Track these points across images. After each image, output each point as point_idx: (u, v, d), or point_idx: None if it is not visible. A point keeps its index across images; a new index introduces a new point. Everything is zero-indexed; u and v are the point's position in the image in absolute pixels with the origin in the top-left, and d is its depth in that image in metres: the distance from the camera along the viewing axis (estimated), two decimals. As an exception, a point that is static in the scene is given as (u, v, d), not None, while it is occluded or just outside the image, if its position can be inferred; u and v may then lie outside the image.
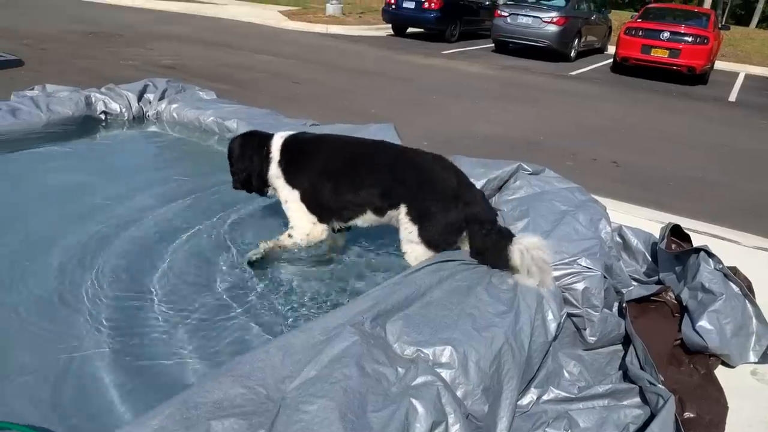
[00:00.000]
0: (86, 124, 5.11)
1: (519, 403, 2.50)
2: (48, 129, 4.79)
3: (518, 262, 2.72)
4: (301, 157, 3.16)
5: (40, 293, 2.79)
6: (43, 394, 2.23)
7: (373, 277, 3.26)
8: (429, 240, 2.97)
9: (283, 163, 3.17)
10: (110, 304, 2.78)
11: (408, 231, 2.98)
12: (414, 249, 3.02)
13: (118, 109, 5.37)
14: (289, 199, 3.17)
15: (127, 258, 3.16)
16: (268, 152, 3.20)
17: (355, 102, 9.28)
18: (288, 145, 3.21)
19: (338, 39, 17.02)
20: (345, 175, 3.06)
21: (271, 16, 19.45)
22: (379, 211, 3.07)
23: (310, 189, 3.12)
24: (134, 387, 2.32)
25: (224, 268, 3.19)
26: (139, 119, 5.48)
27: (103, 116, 5.29)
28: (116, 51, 11.50)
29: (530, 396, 2.58)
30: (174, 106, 5.52)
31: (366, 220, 3.16)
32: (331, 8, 20.45)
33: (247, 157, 3.24)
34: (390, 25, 18.98)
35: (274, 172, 3.20)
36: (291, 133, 3.29)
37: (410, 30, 19.08)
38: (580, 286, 2.81)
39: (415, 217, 2.95)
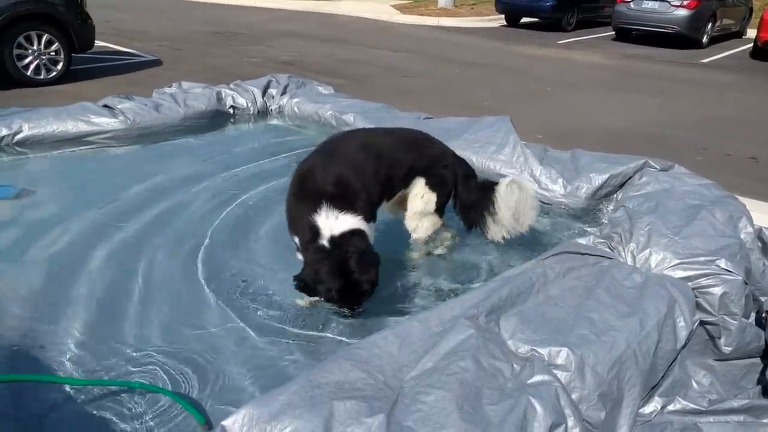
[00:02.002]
0: (217, 118, 5.52)
1: (641, 411, 2.38)
2: (185, 122, 5.24)
3: (505, 201, 2.99)
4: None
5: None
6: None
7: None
8: (441, 206, 3.16)
9: None
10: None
11: (426, 201, 3.07)
12: (430, 219, 3.15)
13: (245, 104, 5.73)
14: None
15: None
16: None
17: (468, 94, 9.19)
18: None
19: (450, 31, 16.92)
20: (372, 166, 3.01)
21: (384, 11, 19.72)
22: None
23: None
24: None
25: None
26: (263, 113, 5.82)
27: (231, 110, 5.68)
28: (240, 49, 12.25)
29: (653, 405, 2.44)
30: (295, 100, 5.79)
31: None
32: (443, 0, 20.34)
33: None
34: (503, 16, 18.55)
35: None
36: None
37: (524, 20, 18.52)
38: (717, 290, 2.59)
39: (433, 185, 3.06)
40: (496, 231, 3.18)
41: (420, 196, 3.11)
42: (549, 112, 8.31)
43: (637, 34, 16.13)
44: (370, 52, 12.70)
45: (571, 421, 1.94)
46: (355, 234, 2.55)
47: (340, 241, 2.51)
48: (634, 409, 2.22)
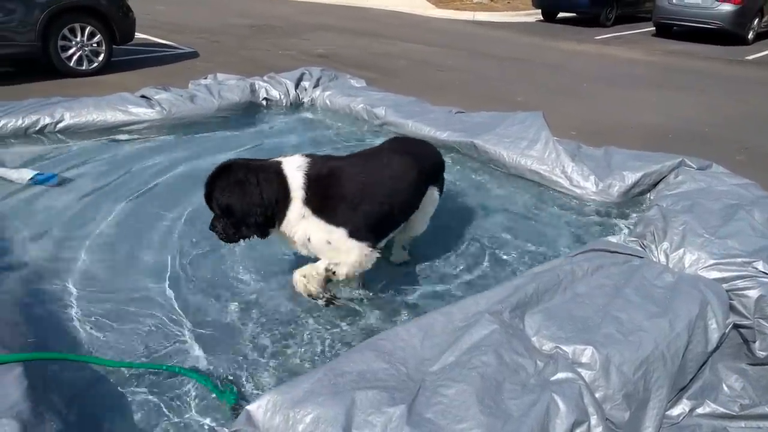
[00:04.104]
0: (250, 109, 5.60)
1: (668, 413, 2.34)
2: (219, 114, 5.32)
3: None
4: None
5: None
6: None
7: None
8: None
9: None
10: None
11: (434, 202, 3.13)
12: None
13: (278, 96, 5.79)
14: None
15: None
16: None
17: (501, 89, 9.10)
18: None
19: (485, 26, 16.74)
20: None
21: (419, 4, 19.61)
22: None
23: None
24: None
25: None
26: (296, 105, 5.87)
27: (264, 102, 5.75)
28: (275, 41, 12.36)
29: (681, 407, 2.40)
30: (327, 93, 5.83)
31: None
32: (479, -6, 20.13)
33: None
34: (540, 11, 18.26)
35: None
36: None
37: (561, 15, 18.17)
38: (753, 293, 2.52)
39: (440, 192, 3.18)
40: None
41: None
42: (584, 109, 8.16)
43: (678, 30, 15.66)
44: (403, 45, 12.66)
45: (594, 420, 1.92)
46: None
47: None
48: (661, 411, 2.19)
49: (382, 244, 2.81)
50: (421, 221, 3.14)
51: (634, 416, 2.10)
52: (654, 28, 16.24)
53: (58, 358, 2.22)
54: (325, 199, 2.57)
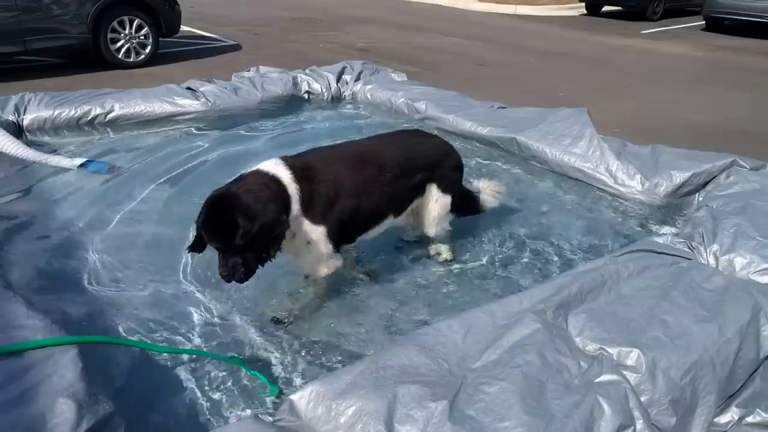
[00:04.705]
0: (292, 102, 5.66)
1: (716, 421, 2.27)
2: (261, 106, 5.40)
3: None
4: None
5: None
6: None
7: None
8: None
9: None
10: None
11: (441, 205, 3.03)
12: (445, 219, 3.11)
13: (320, 89, 5.83)
14: None
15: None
16: None
17: (543, 85, 8.95)
18: None
19: (527, 20, 16.48)
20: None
21: (460, -2, 19.44)
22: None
23: None
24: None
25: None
26: (337, 99, 5.90)
27: (306, 95, 5.80)
28: (316, 35, 12.44)
29: (730, 415, 2.32)
30: (368, 87, 5.85)
31: None
32: (522, -13, 19.78)
33: None
34: (583, 4, 17.85)
35: None
36: None
37: (606, 8, 17.75)
38: (809, 299, 2.43)
39: (445, 188, 3.03)
40: None
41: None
42: (629, 106, 7.96)
43: (730, 24, 15.09)
44: (444, 39, 12.58)
45: (639, 424, 1.89)
46: None
47: None
48: (709, 418, 2.13)
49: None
50: (426, 222, 3.06)
51: (680, 422, 2.05)
52: (704, 23, 15.69)
53: (110, 341, 2.30)
54: (317, 199, 2.50)
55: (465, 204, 3.27)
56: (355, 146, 2.90)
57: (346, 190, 2.57)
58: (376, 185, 2.68)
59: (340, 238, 2.62)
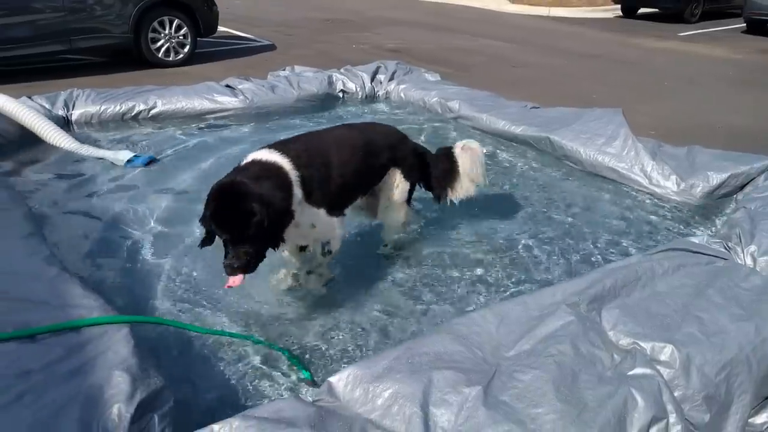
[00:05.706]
0: (327, 101, 5.77)
1: (751, 421, 2.26)
2: (297, 104, 5.52)
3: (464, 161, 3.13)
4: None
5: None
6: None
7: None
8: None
9: None
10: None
11: (402, 190, 3.09)
12: (404, 207, 3.16)
13: (354, 88, 5.92)
14: None
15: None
16: None
17: (576, 86, 8.89)
18: None
19: (561, 21, 16.34)
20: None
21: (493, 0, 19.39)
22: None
23: None
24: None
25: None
26: (371, 98, 5.99)
27: (341, 94, 5.90)
28: (348, 35, 12.56)
29: (766, 416, 2.31)
30: (402, 86, 5.92)
31: None
32: (555, -11, 19.63)
33: None
34: (619, 6, 17.62)
35: None
36: None
37: (642, 10, 17.48)
38: None
39: (407, 174, 3.09)
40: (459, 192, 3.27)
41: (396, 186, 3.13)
42: (665, 108, 7.85)
43: (772, 27, 14.73)
44: (477, 41, 12.57)
45: (672, 418, 1.90)
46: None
47: None
48: (744, 417, 2.13)
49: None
50: (386, 209, 3.13)
51: (714, 419, 2.06)
52: (744, 25, 15.33)
53: (160, 322, 2.42)
54: (315, 184, 2.60)
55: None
56: (326, 133, 3.00)
57: (335, 172, 2.70)
58: (354, 164, 2.82)
59: (337, 211, 2.77)
